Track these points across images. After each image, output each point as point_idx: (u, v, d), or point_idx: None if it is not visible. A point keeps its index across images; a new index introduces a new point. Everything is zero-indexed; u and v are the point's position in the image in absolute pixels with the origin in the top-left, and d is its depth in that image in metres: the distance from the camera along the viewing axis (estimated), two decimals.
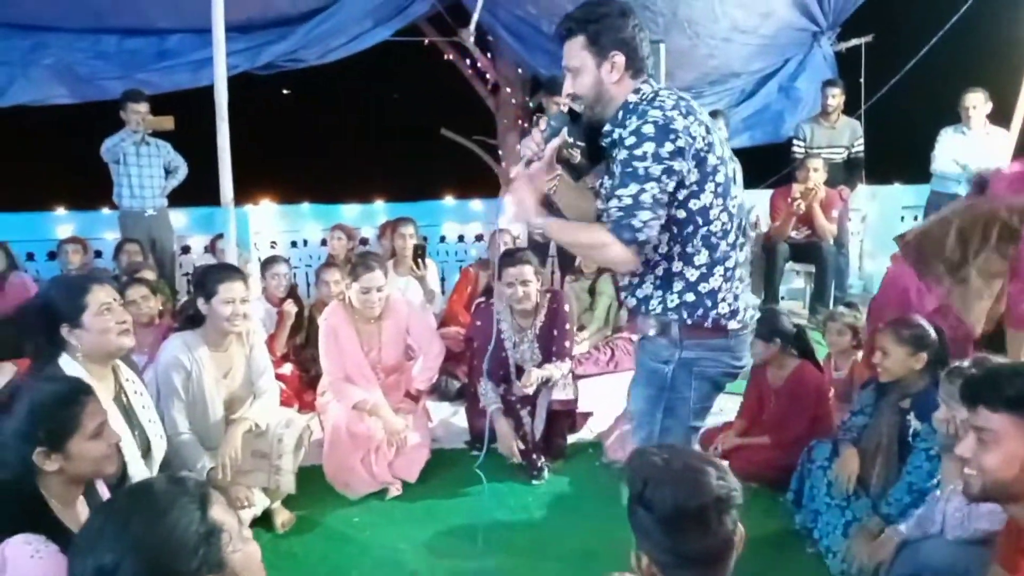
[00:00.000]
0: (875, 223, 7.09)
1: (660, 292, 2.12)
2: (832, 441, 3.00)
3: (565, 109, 2.17)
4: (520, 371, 3.79)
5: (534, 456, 3.60)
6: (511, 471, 3.63)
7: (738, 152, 6.21)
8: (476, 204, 6.79)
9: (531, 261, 3.67)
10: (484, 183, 7.89)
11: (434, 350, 3.86)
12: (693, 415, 2.18)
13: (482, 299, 4.75)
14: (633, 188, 1.95)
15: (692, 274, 2.09)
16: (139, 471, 2.32)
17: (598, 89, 2.08)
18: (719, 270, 2.10)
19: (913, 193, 6.89)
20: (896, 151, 7.09)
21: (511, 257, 3.71)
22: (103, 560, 1.27)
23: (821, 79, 6.67)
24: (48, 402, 1.82)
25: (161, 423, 2.57)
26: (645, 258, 2.09)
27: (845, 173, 6.25)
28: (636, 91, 2.09)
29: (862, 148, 6.29)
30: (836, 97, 6.17)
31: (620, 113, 2.09)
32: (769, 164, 6.82)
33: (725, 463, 3.36)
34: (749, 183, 5.97)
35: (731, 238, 2.11)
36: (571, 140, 2.22)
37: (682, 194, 2.02)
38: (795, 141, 6.34)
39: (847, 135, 6.25)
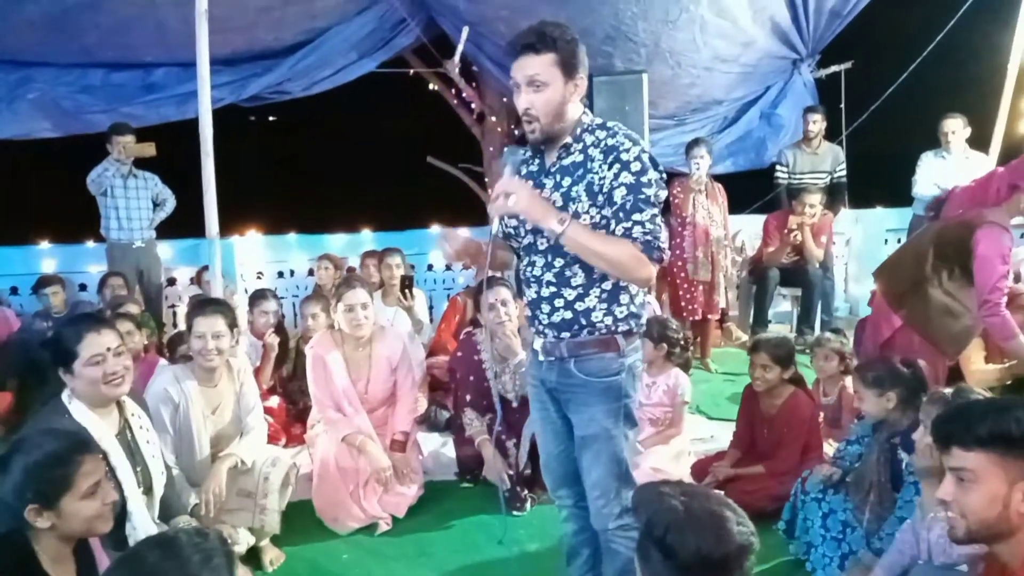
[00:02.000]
0: (859, 246, 7.15)
1: (606, 306, 2.20)
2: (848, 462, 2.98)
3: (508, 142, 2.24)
4: (504, 401, 3.77)
5: (517, 488, 3.57)
6: (499, 503, 3.59)
7: (721, 178, 6.34)
8: (463, 232, 6.79)
9: (507, 284, 3.73)
10: (471, 211, 7.91)
11: (410, 400, 3.77)
12: (635, 411, 2.33)
13: (470, 328, 4.74)
14: (648, 212, 2.10)
15: (634, 289, 2.24)
16: (139, 508, 2.29)
17: (560, 108, 2.15)
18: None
19: (896, 216, 6.97)
20: (878, 175, 7.19)
21: (487, 283, 3.73)
22: None
23: (802, 106, 6.77)
24: (42, 460, 1.79)
25: (163, 459, 2.54)
26: (592, 271, 2.17)
27: (828, 198, 6.32)
28: (585, 112, 2.23)
29: (844, 173, 6.36)
30: (817, 123, 6.25)
31: (578, 131, 2.19)
32: (752, 190, 6.88)
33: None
34: (733, 208, 6.07)
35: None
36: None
37: None
38: (778, 167, 6.41)
39: (829, 160, 6.32)
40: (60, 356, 2.34)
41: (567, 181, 2.18)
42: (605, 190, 2.11)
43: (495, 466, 3.54)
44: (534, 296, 2.30)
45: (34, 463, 1.78)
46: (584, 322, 2.21)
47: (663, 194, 2.14)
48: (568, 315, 2.22)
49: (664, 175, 2.16)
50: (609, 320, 2.21)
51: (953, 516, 1.63)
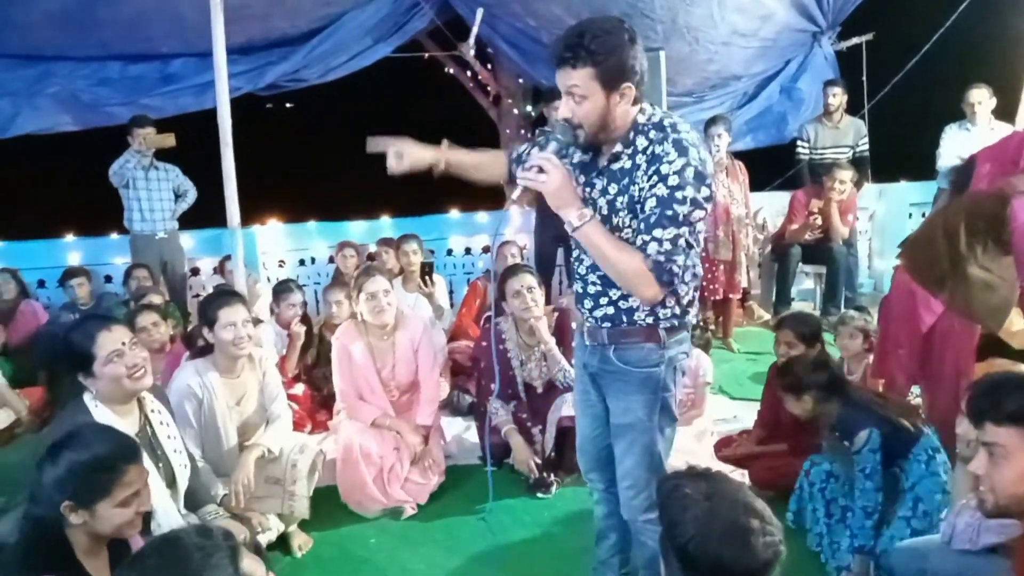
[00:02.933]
0: (883, 221, 7.06)
1: (649, 307, 2.14)
2: (828, 460, 2.99)
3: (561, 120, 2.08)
4: (528, 388, 3.78)
5: (543, 473, 3.60)
6: (524, 487, 3.62)
7: (742, 155, 6.27)
8: (482, 216, 6.80)
9: (530, 271, 3.73)
10: (489, 195, 7.84)
11: (433, 386, 3.78)
12: (676, 406, 2.30)
13: (490, 314, 4.76)
14: (671, 232, 1.97)
15: (682, 290, 2.16)
16: (164, 502, 2.32)
17: (603, 119, 2.03)
18: (694, 283, 2.21)
19: (920, 190, 6.86)
20: (901, 148, 7.08)
21: (510, 270, 3.79)
22: None
23: (822, 79, 6.65)
24: (87, 462, 1.82)
25: (186, 452, 2.57)
26: None
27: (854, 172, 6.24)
28: (641, 111, 2.07)
29: (867, 147, 6.27)
30: (837, 96, 6.15)
31: (631, 134, 2.06)
32: (773, 166, 6.81)
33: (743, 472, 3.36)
34: (755, 186, 6.01)
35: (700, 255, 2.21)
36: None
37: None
38: (799, 142, 6.33)
39: (851, 134, 6.23)
40: (77, 361, 2.33)
41: (613, 189, 2.10)
42: (640, 200, 2.02)
43: (523, 455, 3.56)
44: (580, 291, 2.29)
45: (80, 463, 1.80)
46: (626, 319, 2.19)
47: (699, 213, 1.98)
48: (611, 311, 2.20)
49: (712, 191, 2.00)
50: (651, 320, 2.17)
51: (984, 490, 1.65)
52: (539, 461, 3.59)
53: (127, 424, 2.34)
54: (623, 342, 2.20)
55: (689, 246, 2.03)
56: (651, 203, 1.99)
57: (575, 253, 2.30)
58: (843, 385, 2.93)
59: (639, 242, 2.01)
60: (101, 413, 2.31)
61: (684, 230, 1.98)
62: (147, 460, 2.30)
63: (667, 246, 1.98)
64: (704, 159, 2.00)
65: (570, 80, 1.99)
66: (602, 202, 2.12)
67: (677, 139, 1.99)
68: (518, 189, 2.05)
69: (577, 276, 2.30)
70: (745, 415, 4.35)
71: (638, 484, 2.28)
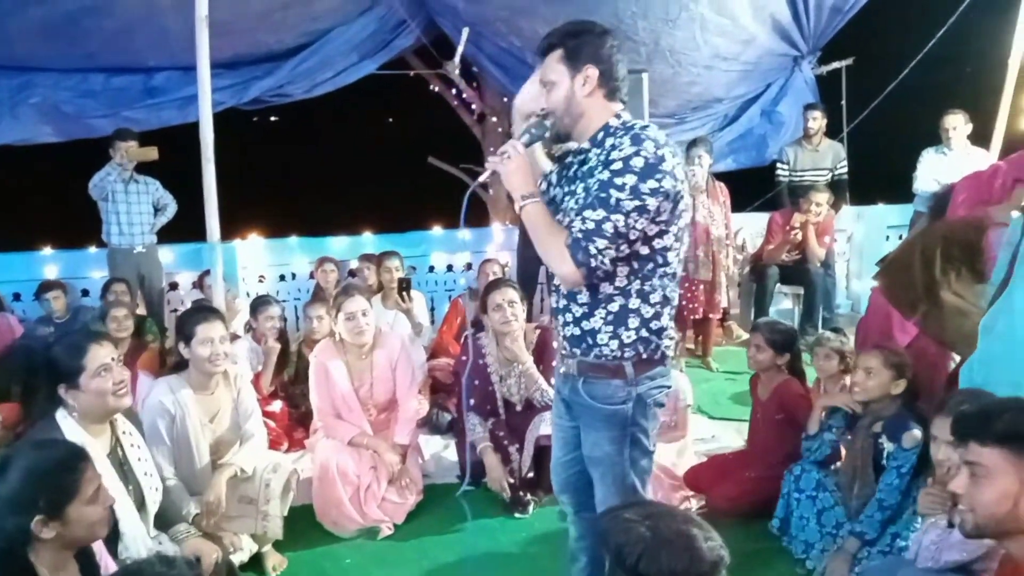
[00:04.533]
0: (861, 243, 7.14)
1: (612, 328, 2.10)
2: (817, 468, 3.01)
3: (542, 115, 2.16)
4: (507, 405, 3.78)
5: (520, 492, 3.59)
6: (501, 506, 3.60)
7: (723, 176, 6.32)
8: (464, 233, 6.80)
9: (514, 286, 3.73)
10: (472, 212, 7.89)
11: (411, 407, 3.76)
12: (652, 440, 2.24)
13: (471, 331, 4.75)
14: (600, 214, 1.96)
15: (647, 312, 2.10)
16: (133, 525, 2.29)
17: (569, 102, 2.09)
18: (667, 309, 2.15)
19: (897, 213, 6.95)
20: (879, 172, 7.18)
21: (493, 284, 3.80)
22: None
23: (803, 103, 6.75)
24: (48, 468, 1.80)
25: (158, 475, 2.54)
26: (597, 289, 2.10)
27: (830, 195, 6.30)
28: (617, 116, 2.11)
29: (846, 170, 6.35)
30: (817, 120, 6.25)
31: (600, 135, 2.09)
32: (754, 188, 6.88)
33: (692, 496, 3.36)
34: (735, 207, 6.07)
35: (676, 281, 2.17)
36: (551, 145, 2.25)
37: (651, 231, 2.03)
38: (779, 164, 6.41)
39: (830, 157, 6.31)
40: (64, 373, 2.33)
41: (580, 188, 2.12)
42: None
43: (496, 475, 3.54)
44: (553, 305, 2.29)
45: (40, 472, 1.78)
46: (591, 342, 2.14)
47: (636, 203, 1.94)
48: (576, 331, 2.17)
49: (664, 188, 1.96)
50: (615, 344, 2.11)
51: (963, 509, 1.66)
52: (512, 481, 3.57)
53: (99, 444, 2.32)
54: (591, 376, 2.17)
55: (617, 233, 1.97)
56: (594, 187, 2.01)
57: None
58: (917, 395, 2.92)
59: (576, 222, 2.01)
60: (72, 431, 2.28)
61: (616, 217, 1.95)
62: (117, 482, 2.28)
63: (590, 225, 1.97)
64: (662, 156, 1.97)
65: (544, 68, 2.11)
66: (571, 204, 2.14)
67: (636, 134, 2.01)
68: (487, 172, 2.15)
69: (552, 288, 2.30)
70: (723, 435, 4.38)
71: None
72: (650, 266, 2.08)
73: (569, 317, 2.18)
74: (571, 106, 2.09)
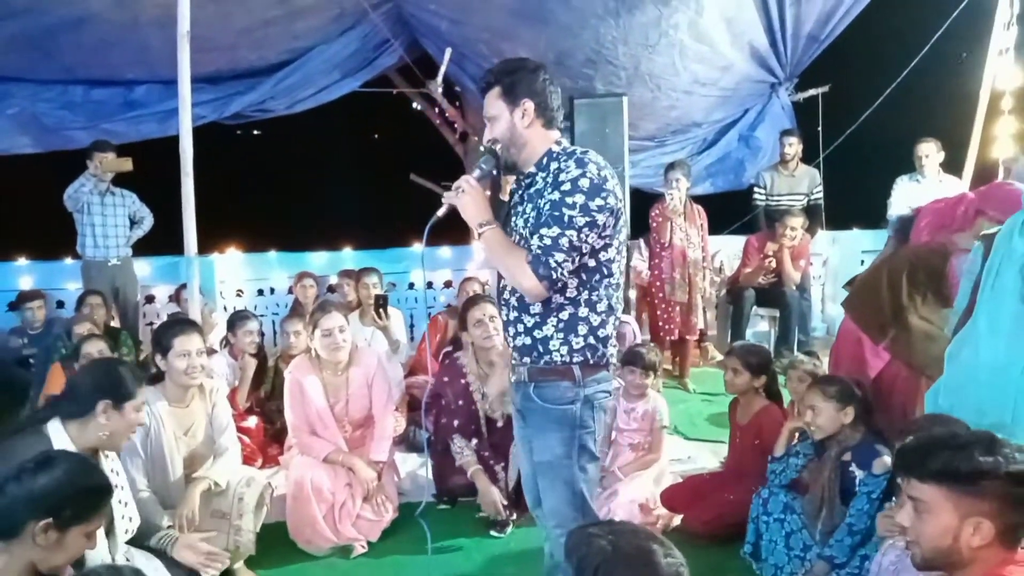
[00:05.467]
0: (836, 267, 7.24)
1: (563, 335, 2.26)
2: (785, 491, 3.03)
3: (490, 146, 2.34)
4: (489, 422, 3.78)
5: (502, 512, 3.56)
6: (479, 525, 3.59)
7: (700, 199, 6.40)
8: (445, 251, 6.82)
9: (492, 302, 3.77)
10: (453, 230, 7.90)
11: (388, 423, 3.75)
12: (598, 445, 2.35)
13: (450, 348, 4.74)
14: (555, 231, 2.14)
15: (594, 320, 2.27)
16: (99, 554, 2.25)
17: (512, 133, 2.28)
18: (612, 318, 2.32)
19: (872, 238, 7.06)
20: (854, 197, 7.29)
21: (472, 300, 3.85)
22: None
23: (780, 128, 6.87)
24: (88, 486, 1.86)
25: (134, 507, 2.54)
26: (549, 300, 2.24)
27: (805, 219, 6.40)
28: (557, 143, 2.31)
29: (821, 195, 6.45)
30: (793, 146, 6.35)
31: (544, 160, 2.29)
32: (731, 211, 6.97)
33: (670, 516, 3.37)
34: (712, 229, 6.13)
35: (620, 291, 2.34)
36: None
37: (598, 244, 2.22)
38: (756, 188, 6.50)
39: (806, 182, 6.41)
40: (119, 393, 2.42)
41: (529, 208, 2.29)
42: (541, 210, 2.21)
43: (491, 498, 3.53)
44: (505, 318, 2.42)
45: (83, 486, 1.84)
46: (542, 349, 2.28)
47: (586, 219, 2.13)
48: (528, 341, 2.31)
49: (608, 205, 2.17)
50: (565, 350, 2.26)
51: (911, 542, 1.69)
52: (506, 502, 3.55)
53: None
54: (541, 380, 2.31)
55: (571, 247, 2.14)
56: (545, 207, 2.19)
57: (500, 282, 2.43)
58: (872, 412, 2.95)
59: (534, 241, 2.17)
60: (61, 443, 2.27)
61: (570, 232, 2.14)
62: None
63: (547, 242, 2.15)
64: (602, 178, 2.18)
65: (486, 105, 2.31)
66: (519, 222, 2.32)
67: (579, 158, 2.22)
68: (444, 207, 2.29)
69: (502, 303, 2.42)
70: (700, 455, 4.39)
71: (564, 523, 2.30)
72: (596, 277, 2.26)
73: (521, 328, 2.32)
74: (514, 137, 2.28)
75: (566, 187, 2.15)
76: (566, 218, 2.13)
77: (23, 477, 1.78)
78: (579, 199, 2.14)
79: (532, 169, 2.31)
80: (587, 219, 2.14)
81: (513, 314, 2.34)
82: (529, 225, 2.24)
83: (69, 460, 1.89)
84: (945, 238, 3.25)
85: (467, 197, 2.22)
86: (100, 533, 2.24)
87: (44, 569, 1.84)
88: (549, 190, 2.20)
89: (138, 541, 2.53)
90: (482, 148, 2.35)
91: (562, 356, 2.26)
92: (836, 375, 3.09)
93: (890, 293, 3.21)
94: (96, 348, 4.01)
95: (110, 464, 2.46)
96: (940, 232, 3.25)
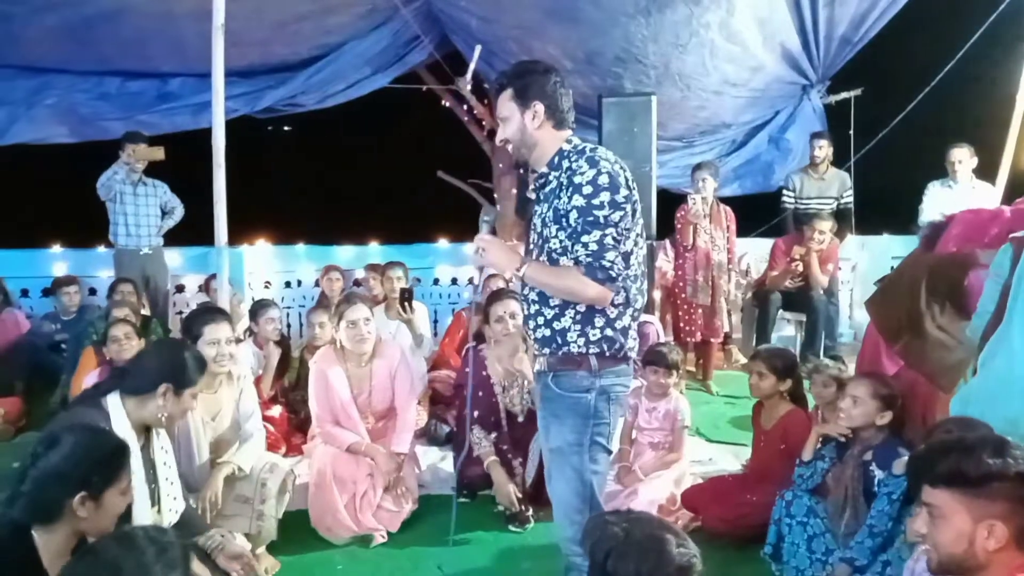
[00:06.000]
0: (865, 273, 7.15)
1: (580, 327, 2.30)
2: (809, 494, 3.01)
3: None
4: (510, 416, 3.79)
5: (521, 506, 3.58)
6: (498, 519, 3.61)
7: (728, 200, 6.36)
8: (470, 247, 6.82)
9: (516, 298, 3.75)
10: (478, 226, 7.94)
11: (410, 416, 3.79)
12: (611, 439, 2.41)
13: (473, 343, 4.76)
14: (596, 234, 2.21)
15: (611, 311, 2.31)
16: (145, 519, 2.33)
17: (522, 134, 2.35)
18: (630, 311, 2.35)
19: (902, 244, 6.96)
20: (885, 202, 7.20)
21: (496, 295, 3.85)
22: None
23: (810, 131, 6.79)
24: (104, 450, 1.90)
25: (180, 487, 2.58)
26: None
27: (834, 223, 6.34)
28: (568, 141, 2.36)
29: (851, 199, 6.39)
30: (823, 149, 6.29)
31: (556, 159, 2.35)
32: (759, 213, 6.91)
33: (689, 517, 3.36)
34: (740, 231, 6.09)
35: (639, 283, 2.37)
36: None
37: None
38: (785, 191, 6.45)
39: (836, 186, 6.35)
40: (183, 374, 2.50)
41: (544, 207, 2.36)
42: (564, 213, 2.26)
43: (505, 490, 3.55)
44: (526, 311, 2.48)
45: (99, 453, 1.89)
46: (560, 341, 2.33)
47: (619, 214, 2.21)
48: (547, 332, 2.36)
49: (631, 196, 2.25)
50: (582, 341, 2.31)
51: (928, 548, 1.70)
52: (520, 495, 3.57)
53: (135, 440, 2.38)
54: (559, 369, 2.35)
55: (616, 242, 2.21)
56: (573, 215, 2.23)
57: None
58: (903, 421, 2.95)
59: (573, 252, 2.24)
60: (119, 418, 2.35)
61: (609, 231, 2.21)
62: (143, 481, 2.34)
63: (593, 247, 2.21)
64: (616, 172, 2.25)
65: (498, 106, 2.38)
66: (537, 221, 2.39)
67: (590, 156, 2.28)
68: (480, 275, 2.55)
69: (523, 298, 2.49)
70: (721, 458, 4.38)
71: (570, 512, 2.34)
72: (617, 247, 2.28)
73: (541, 320, 2.37)
74: (524, 137, 2.35)
75: (587, 190, 2.21)
76: (600, 219, 2.19)
77: (39, 463, 1.83)
78: (605, 197, 2.19)
79: (544, 169, 2.37)
80: (620, 212, 2.21)
81: (534, 307, 2.39)
82: (547, 225, 2.31)
83: (74, 432, 1.93)
84: (970, 251, 3.19)
85: (491, 254, 2.33)
86: (144, 506, 2.33)
87: (93, 535, 1.90)
88: (567, 193, 2.25)
89: (184, 536, 2.57)
90: (483, 215, 2.50)
91: (579, 347, 2.30)
92: (885, 377, 3.05)
93: (908, 298, 3.17)
94: (123, 331, 4.10)
95: (160, 442, 2.51)
96: (968, 244, 3.20)
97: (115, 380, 2.49)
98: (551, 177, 2.35)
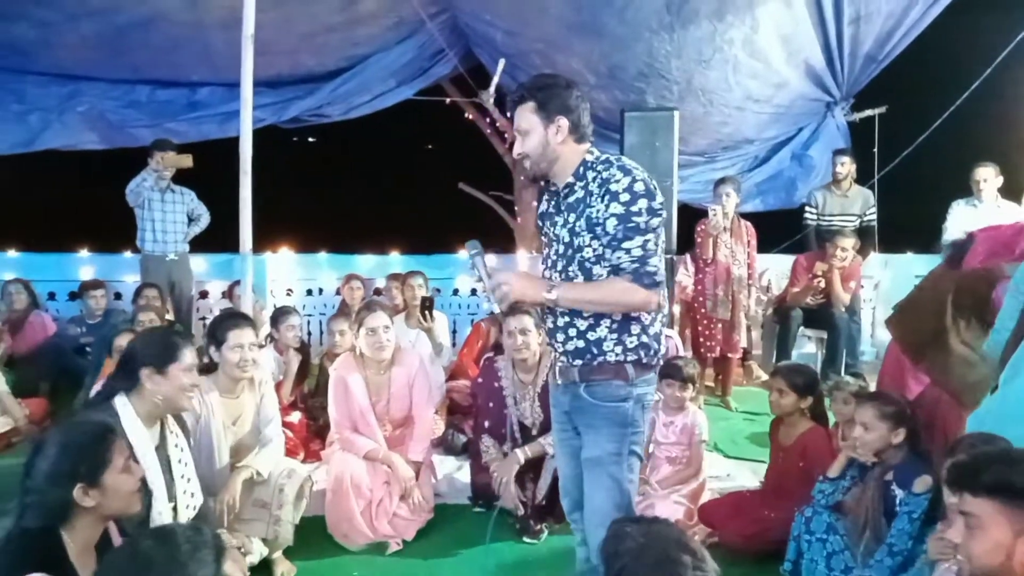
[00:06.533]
0: (888, 291, 7.09)
1: (616, 335, 2.30)
2: (829, 511, 2.99)
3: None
4: (523, 428, 3.79)
5: (532, 519, 3.58)
6: (511, 530, 3.61)
7: (750, 216, 6.33)
8: (490, 258, 6.87)
9: (531, 312, 3.75)
10: (499, 238, 7.99)
11: (427, 422, 3.80)
12: (642, 446, 2.43)
13: (491, 354, 4.78)
14: (639, 240, 2.22)
15: (646, 318, 2.33)
16: (166, 519, 2.36)
17: (544, 149, 2.32)
18: (660, 316, 2.39)
19: (925, 263, 6.88)
20: (909, 220, 7.14)
21: (512, 309, 3.79)
22: None
23: (834, 148, 6.76)
24: (81, 440, 1.93)
25: (197, 483, 2.60)
26: None
27: (857, 241, 6.29)
28: (589, 152, 2.35)
29: (874, 217, 6.34)
30: (845, 165, 6.25)
31: (581, 169, 2.34)
32: (781, 230, 6.87)
33: (706, 532, 3.33)
34: (761, 247, 6.07)
35: (664, 290, 2.37)
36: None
37: None
38: (807, 208, 6.42)
39: (859, 203, 6.31)
40: (159, 358, 2.49)
41: (571, 217, 2.33)
42: (599, 222, 2.25)
43: (509, 492, 3.56)
44: (552, 324, 2.43)
45: (75, 443, 1.92)
46: (596, 351, 2.32)
47: (657, 220, 2.23)
48: (580, 344, 2.34)
49: (662, 202, 2.27)
50: (619, 349, 2.30)
51: (960, 559, 1.68)
52: (525, 499, 3.58)
53: (149, 437, 2.42)
54: (593, 379, 2.34)
55: (655, 248, 2.25)
56: (612, 223, 2.23)
57: None
58: (919, 435, 2.91)
59: (614, 260, 2.24)
60: (129, 418, 2.38)
61: (650, 236, 2.23)
62: (160, 477, 2.37)
63: (638, 253, 2.22)
64: (648, 178, 2.26)
65: (517, 118, 2.35)
66: (563, 232, 2.36)
67: (621, 164, 2.28)
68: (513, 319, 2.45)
69: (547, 311, 2.44)
70: (739, 474, 4.35)
71: (605, 521, 2.28)
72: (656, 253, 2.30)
73: (573, 332, 2.35)
74: (546, 152, 2.32)
75: (625, 197, 2.21)
76: (641, 225, 2.21)
77: (32, 472, 1.88)
78: (643, 204, 2.20)
79: (570, 179, 2.35)
80: (658, 219, 2.24)
81: (563, 319, 2.37)
82: (578, 234, 2.29)
83: (54, 433, 1.97)
84: (995, 265, 3.17)
85: (516, 288, 2.26)
86: (161, 500, 2.36)
87: (114, 517, 1.97)
88: (602, 201, 2.24)
89: None
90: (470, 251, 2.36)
91: (616, 356, 2.30)
92: (891, 394, 3.01)
93: (933, 314, 3.15)
94: (148, 317, 4.17)
95: (174, 440, 2.53)
96: (995, 259, 3.18)
97: (112, 384, 2.51)
98: (576, 187, 2.34)
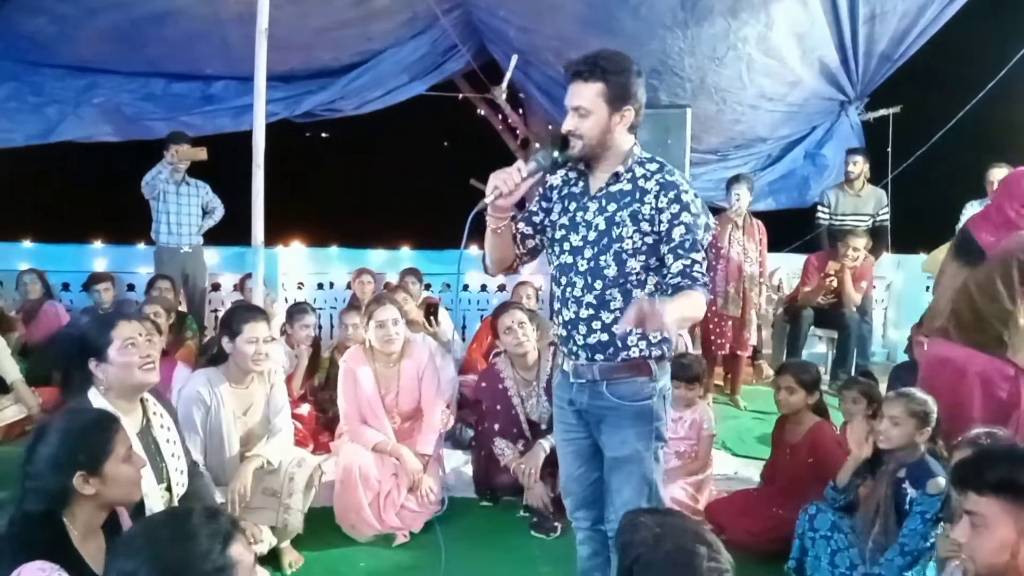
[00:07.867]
0: (900, 292, 7.07)
1: (641, 330, 2.16)
2: (831, 509, 2.98)
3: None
4: (533, 425, 3.80)
5: (548, 515, 3.59)
6: (520, 524, 3.62)
7: (762, 215, 6.31)
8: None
9: (521, 307, 3.81)
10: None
11: (435, 417, 3.80)
12: (666, 430, 2.41)
13: (499, 350, 4.79)
14: (699, 255, 2.21)
15: None
16: (157, 504, 2.36)
17: (604, 136, 2.21)
18: None
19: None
20: (922, 221, 7.10)
21: (502, 308, 3.88)
22: (126, 566, 1.40)
23: (847, 147, 6.73)
24: (83, 427, 1.93)
25: (185, 459, 2.59)
26: (630, 296, 2.22)
27: (870, 241, 6.26)
28: (636, 144, 2.29)
29: (887, 217, 6.31)
30: (858, 165, 6.23)
31: (630, 161, 2.26)
32: (792, 228, 6.86)
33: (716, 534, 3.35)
34: (773, 246, 6.05)
35: None
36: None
37: None
38: (820, 207, 6.40)
39: (872, 203, 6.28)
40: (93, 347, 2.40)
41: (612, 207, 2.25)
42: (657, 222, 2.21)
43: (538, 491, 3.57)
44: (571, 316, 2.31)
45: (76, 431, 1.91)
46: (620, 345, 2.26)
47: (709, 236, 2.27)
48: (604, 337, 2.27)
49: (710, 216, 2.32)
50: (643, 344, 2.27)
51: (965, 558, 1.67)
52: (552, 495, 3.58)
53: (128, 422, 2.37)
54: (614, 377, 2.29)
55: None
56: (680, 231, 2.20)
57: (563, 280, 2.34)
58: (937, 436, 2.92)
59: (679, 266, 2.19)
60: (102, 406, 2.35)
61: (704, 251, 2.26)
62: (147, 461, 2.36)
63: (701, 265, 2.21)
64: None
65: (577, 96, 2.18)
66: (599, 220, 2.26)
67: (671, 169, 2.26)
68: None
69: (571, 300, 2.31)
70: (746, 472, 4.34)
71: None
72: (664, 271, 2.29)
73: (597, 325, 2.27)
74: (604, 138, 2.21)
75: (694, 209, 2.22)
76: (701, 239, 2.22)
77: (32, 458, 1.88)
78: (703, 221, 2.26)
79: (618, 168, 2.25)
80: (710, 234, 2.31)
81: (587, 312, 2.28)
82: (620, 224, 2.21)
83: (56, 420, 1.96)
84: (1015, 236, 3.07)
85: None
86: (153, 487, 2.36)
87: (117, 505, 1.98)
88: (663, 203, 2.19)
89: None
90: (537, 149, 2.21)
91: (640, 351, 2.27)
92: (921, 393, 2.93)
93: (991, 304, 3.02)
94: (152, 310, 4.20)
95: (159, 420, 2.51)
96: (1005, 234, 3.10)
97: (73, 383, 2.49)
98: (623, 178, 2.25)
